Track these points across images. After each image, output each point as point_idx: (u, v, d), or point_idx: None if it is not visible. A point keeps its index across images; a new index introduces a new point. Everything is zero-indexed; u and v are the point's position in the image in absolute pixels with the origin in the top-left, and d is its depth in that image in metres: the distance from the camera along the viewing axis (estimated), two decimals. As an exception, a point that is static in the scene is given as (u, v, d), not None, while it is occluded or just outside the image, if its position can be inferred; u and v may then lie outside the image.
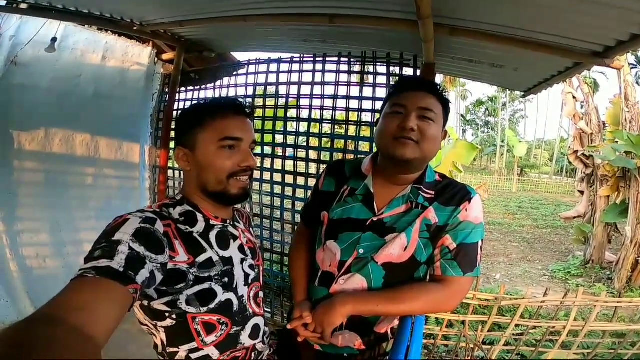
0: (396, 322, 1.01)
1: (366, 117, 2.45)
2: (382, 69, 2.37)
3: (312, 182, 2.43)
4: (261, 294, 0.98)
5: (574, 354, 2.74)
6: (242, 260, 0.91)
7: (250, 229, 1.06)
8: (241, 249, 0.93)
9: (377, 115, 1.07)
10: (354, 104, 2.43)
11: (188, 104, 2.91)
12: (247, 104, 0.91)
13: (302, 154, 2.64)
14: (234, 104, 0.89)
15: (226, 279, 0.85)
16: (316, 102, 2.53)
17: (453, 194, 0.98)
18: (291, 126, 2.79)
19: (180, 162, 0.88)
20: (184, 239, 0.81)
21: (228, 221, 0.93)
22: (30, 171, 2.75)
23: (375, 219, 0.98)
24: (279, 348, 1.06)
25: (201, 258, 0.81)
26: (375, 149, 1.06)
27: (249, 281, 0.92)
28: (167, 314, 0.79)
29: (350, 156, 2.45)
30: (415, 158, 0.93)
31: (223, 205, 0.91)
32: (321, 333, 0.94)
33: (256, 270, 0.96)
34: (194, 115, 0.88)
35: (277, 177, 2.71)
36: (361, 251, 0.96)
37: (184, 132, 0.88)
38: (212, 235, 0.87)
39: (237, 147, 0.86)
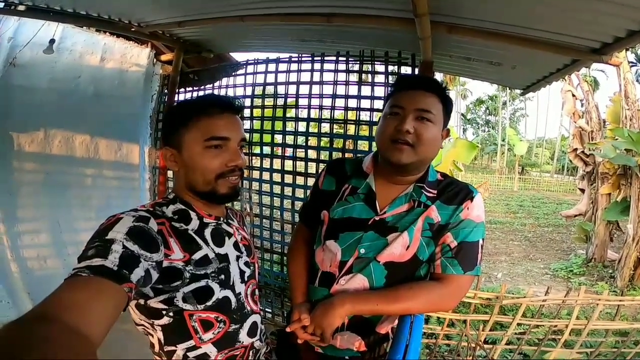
0: (397, 322, 1.01)
1: (365, 116, 2.45)
2: (380, 67, 2.37)
3: (311, 181, 2.43)
4: (257, 292, 0.98)
5: (577, 352, 2.73)
6: (238, 257, 0.91)
7: (244, 226, 1.05)
8: (236, 246, 0.92)
9: (376, 114, 1.06)
10: (352, 103, 2.42)
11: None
12: (236, 100, 0.88)
13: (301, 153, 2.64)
14: (219, 101, 0.86)
15: (223, 276, 0.84)
16: (315, 102, 2.53)
17: (455, 192, 0.97)
18: (290, 126, 2.79)
19: (168, 162, 0.86)
20: (179, 236, 0.80)
21: (221, 218, 0.92)
22: (30, 172, 2.76)
23: (377, 218, 0.97)
24: (279, 349, 1.06)
25: (197, 255, 0.81)
26: (375, 148, 1.05)
27: (245, 278, 0.92)
28: (163, 312, 0.78)
29: (349, 155, 2.45)
30: (411, 162, 0.92)
31: (214, 204, 0.90)
32: (321, 334, 0.93)
33: (252, 268, 0.95)
34: (179, 114, 0.86)
35: (277, 177, 2.71)
36: (362, 251, 0.96)
37: (170, 132, 0.86)
38: (207, 233, 0.86)
39: (225, 146, 0.84)
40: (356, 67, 2.43)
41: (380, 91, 2.32)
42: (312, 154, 2.62)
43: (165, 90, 3.30)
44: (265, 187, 2.78)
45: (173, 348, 0.81)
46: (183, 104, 0.89)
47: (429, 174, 0.99)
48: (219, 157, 0.83)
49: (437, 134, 0.94)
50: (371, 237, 0.96)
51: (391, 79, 2.34)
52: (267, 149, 2.82)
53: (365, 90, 2.38)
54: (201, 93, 3.20)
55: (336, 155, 2.70)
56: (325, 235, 1.03)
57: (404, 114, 0.92)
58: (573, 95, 7.98)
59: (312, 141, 2.63)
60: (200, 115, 0.83)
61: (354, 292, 0.96)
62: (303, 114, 2.63)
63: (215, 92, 3.05)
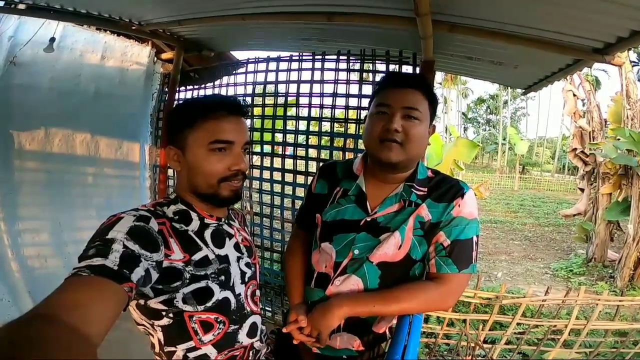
0: (395, 322, 1.01)
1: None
2: (381, 66, 2.36)
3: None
4: (258, 292, 0.98)
5: (576, 352, 2.73)
6: (238, 259, 0.91)
7: (245, 227, 1.05)
8: (237, 247, 0.92)
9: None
10: (353, 102, 2.42)
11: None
12: (243, 102, 0.87)
13: (302, 152, 2.64)
14: (226, 103, 0.85)
15: (223, 277, 0.84)
16: (315, 101, 2.52)
17: (446, 189, 0.97)
18: (291, 125, 2.79)
19: (171, 161, 0.86)
20: (179, 237, 0.80)
21: (223, 219, 0.92)
22: (31, 171, 2.75)
23: (369, 219, 0.98)
24: (278, 349, 1.06)
25: (197, 256, 0.81)
26: None
27: (246, 279, 0.92)
28: (163, 313, 0.78)
29: (350, 154, 2.44)
30: (400, 160, 0.93)
31: (215, 206, 0.89)
32: (317, 336, 0.93)
33: (252, 269, 0.95)
34: (185, 114, 0.85)
35: (277, 176, 2.71)
36: (356, 252, 0.96)
37: (174, 131, 0.85)
38: (207, 234, 0.86)
39: (229, 149, 0.83)
40: (357, 66, 2.42)
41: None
42: (312, 152, 2.62)
43: (166, 89, 3.29)
44: (266, 185, 2.78)
45: (173, 349, 0.81)
46: (189, 104, 0.88)
47: (419, 171, 0.99)
48: (222, 160, 0.82)
49: (424, 131, 0.95)
50: (364, 238, 0.96)
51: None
52: (267, 148, 2.81)
53: (366, 89, 2.38)
54: (202, 92, 3.19)
55: (337, 154, 2.70)
56: (320, 238, 1.03)
57: (391, 112, 0.93)
58: (574, 95, 7.98)
59: (313, 140, 2.62)
60: (206, 117, 0.82)
61: (351, 294, 0.96)
62: (304, 112, 2.62)
63: (216, 90, 3.04)
